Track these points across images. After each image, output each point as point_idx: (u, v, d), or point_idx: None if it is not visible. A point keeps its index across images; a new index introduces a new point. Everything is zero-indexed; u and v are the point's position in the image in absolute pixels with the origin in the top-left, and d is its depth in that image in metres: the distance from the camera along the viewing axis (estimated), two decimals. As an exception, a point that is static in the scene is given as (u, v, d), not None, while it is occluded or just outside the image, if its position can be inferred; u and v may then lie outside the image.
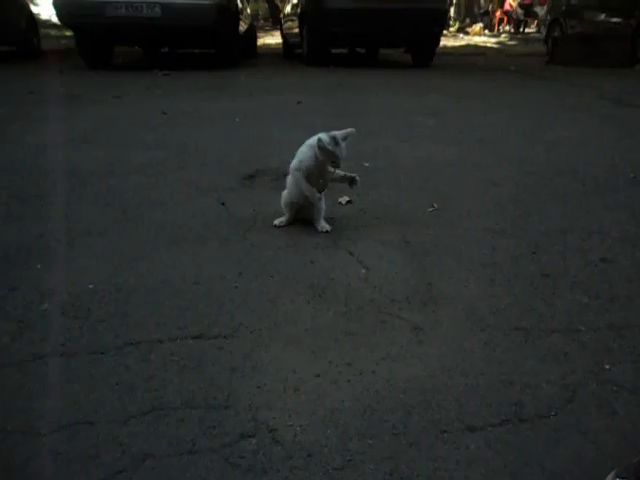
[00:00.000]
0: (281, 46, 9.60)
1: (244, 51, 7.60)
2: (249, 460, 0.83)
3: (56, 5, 5.48)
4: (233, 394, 0.97)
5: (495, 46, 12.76)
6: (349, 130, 1.52)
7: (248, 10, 8.93)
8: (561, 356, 1.09)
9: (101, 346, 1.09)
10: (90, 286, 1.30)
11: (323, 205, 1.63)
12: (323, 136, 1.49)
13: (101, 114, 3.45)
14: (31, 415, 0.91)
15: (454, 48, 11.13)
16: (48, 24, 12.12)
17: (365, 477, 0.80)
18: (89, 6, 5.32)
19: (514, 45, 13.05)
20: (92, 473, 0.80)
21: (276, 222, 1.66)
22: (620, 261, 1.49)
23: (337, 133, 1.50)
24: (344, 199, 1.89)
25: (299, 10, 7.00)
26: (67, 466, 0.81)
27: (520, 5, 19.29)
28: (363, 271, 1.42)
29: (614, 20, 7.39)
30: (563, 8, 8.56)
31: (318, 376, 1.02)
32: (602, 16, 7.67)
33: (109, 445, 0.84)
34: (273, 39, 12.69)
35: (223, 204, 1.86)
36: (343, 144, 1.50)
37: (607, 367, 1.06)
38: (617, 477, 0.76)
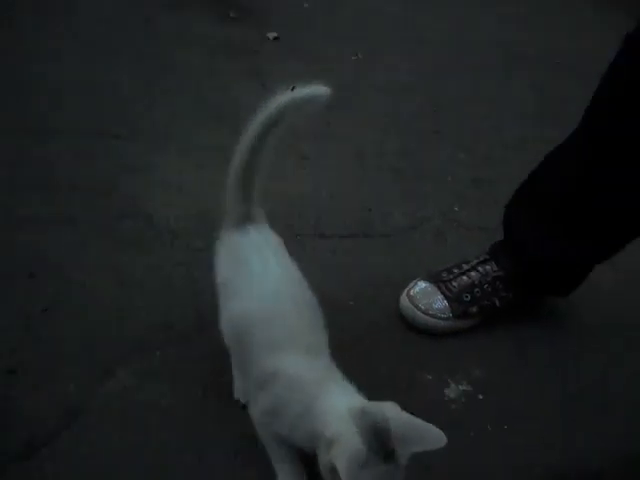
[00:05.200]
0: None
1: None
2: (125, 236, 0.96)
3: None
4: (120, 185, 1.07)
5: None
6: None
7: None
8: (422, 196, 1.25)
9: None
10: None
11: None
12: None
13: None
14: None
15: None
16: None
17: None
18: None
19: None
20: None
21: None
22: (505, 129, 1.61)
23: None
24: (272, 35, 1.87)
25: None
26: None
27: None
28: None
29: None
30: None
31: (202, 180, 1.13)
32: None
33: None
34: None
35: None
36: None
37: (456, 209, 1.24)
38: (420, 280, 0.96)
